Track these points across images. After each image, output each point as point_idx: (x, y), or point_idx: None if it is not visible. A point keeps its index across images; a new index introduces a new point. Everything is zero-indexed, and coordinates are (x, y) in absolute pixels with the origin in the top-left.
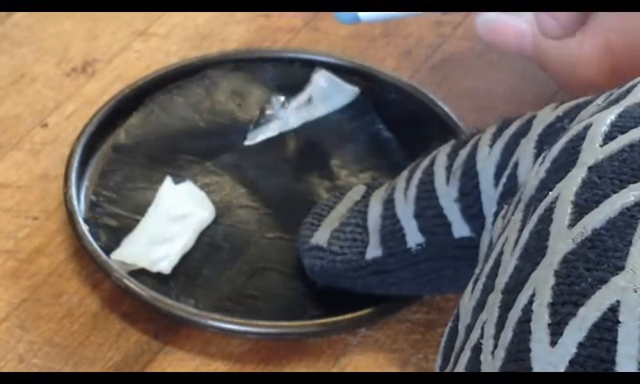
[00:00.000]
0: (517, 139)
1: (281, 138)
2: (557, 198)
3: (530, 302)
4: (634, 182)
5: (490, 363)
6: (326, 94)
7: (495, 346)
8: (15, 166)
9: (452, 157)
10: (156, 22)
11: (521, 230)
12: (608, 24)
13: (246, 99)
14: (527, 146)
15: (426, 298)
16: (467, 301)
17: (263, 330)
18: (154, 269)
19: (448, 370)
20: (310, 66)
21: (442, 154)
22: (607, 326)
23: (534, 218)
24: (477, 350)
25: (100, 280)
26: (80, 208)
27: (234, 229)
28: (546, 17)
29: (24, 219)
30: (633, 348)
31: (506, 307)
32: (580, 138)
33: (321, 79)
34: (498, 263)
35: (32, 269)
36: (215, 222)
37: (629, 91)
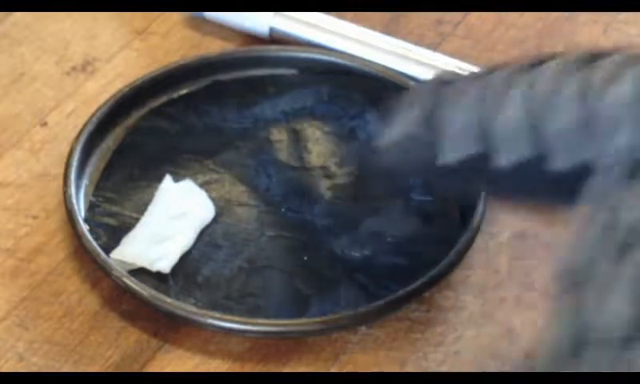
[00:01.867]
0: None
1: (279, 136)
2: None
3: None
4: None
5: None
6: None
7: None
8: (15, 165)
9: None
10: (156, 20)
11: None
12: None
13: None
14: None
15: (425, 297)
16: None
17: (263, 329)
18: (154, 268)
19: None
20: (310, 65)
21: None
22: None
23: None
24: None
25: (99, 279)
26: (79, 207)
27: (233, 227)
28: None
29: (23, 218)
30: None
31: None
32: None
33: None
34: None
35: (31, 267)
36: (215, 220)
37: None
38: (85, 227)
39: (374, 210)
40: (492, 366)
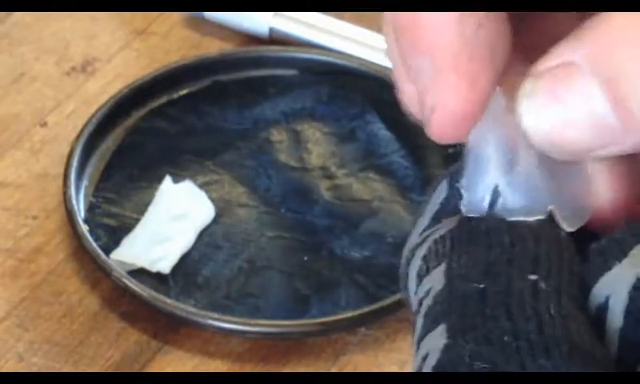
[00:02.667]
0: None
1: (279, 137)
2: None
3: None
4: None
5: None
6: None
7: None
8: (15, 165)
9: None
10: (156, 20)
11: None
12: None
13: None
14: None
15: None
16: None
17: (263, 329)
18: (154, 268)
19: None
20: (310, 66)
21: None
22: None
23: None
24: None
25: (99, 279)
26: (79, 207)
27: (233, 228)
28: None
29: (23, 218)
30: None
31: None
32: None
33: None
34: None
35: (31, 268)
36: (215, 221)
37: None
38: (85, 228)
39: (373, 210)
40: None
